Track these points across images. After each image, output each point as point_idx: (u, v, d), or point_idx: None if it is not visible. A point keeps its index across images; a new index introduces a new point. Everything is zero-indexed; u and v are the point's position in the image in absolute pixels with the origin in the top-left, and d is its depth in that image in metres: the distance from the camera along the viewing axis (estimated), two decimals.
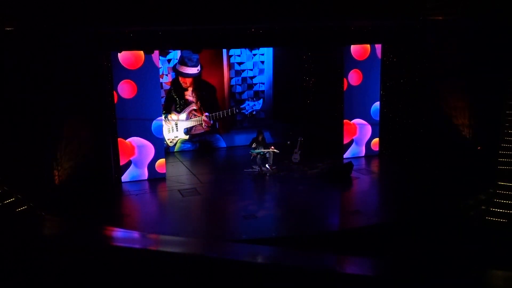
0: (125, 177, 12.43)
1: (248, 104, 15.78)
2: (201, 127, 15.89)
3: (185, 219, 10.28)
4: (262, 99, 16.11)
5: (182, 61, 15.16)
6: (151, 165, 12.65)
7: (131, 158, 12.48)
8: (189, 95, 15.55)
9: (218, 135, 16.21)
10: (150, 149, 12.63)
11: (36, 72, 10.41)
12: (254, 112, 15.93)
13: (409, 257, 8.65)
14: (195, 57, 15.24)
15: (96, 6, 10.09)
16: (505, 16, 11.25)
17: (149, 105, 12.41)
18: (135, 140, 12.49)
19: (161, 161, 12.75)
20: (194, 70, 15.31)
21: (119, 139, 12.26)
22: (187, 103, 15.56)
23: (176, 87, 15.36)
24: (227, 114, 15.75)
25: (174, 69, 15.24)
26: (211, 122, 15.78)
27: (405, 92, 14.04)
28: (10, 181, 9.86)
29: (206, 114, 15.61)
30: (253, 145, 12.90)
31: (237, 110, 15.87)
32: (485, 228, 9.83)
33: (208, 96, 15.74)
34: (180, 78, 15.33)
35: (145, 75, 12.24)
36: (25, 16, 9.81)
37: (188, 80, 15.41)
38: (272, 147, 13.00)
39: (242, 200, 11.14)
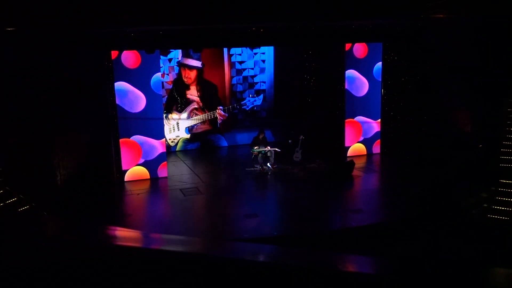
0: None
1: (249, 100, 15.86)
2: (204, 126, 15.94)
3: (187, 218, 10.28)
4: (262, 95, 16.15)
5: (187, 54, 15.25)
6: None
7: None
8: (191, 93, 15.58)
9: (219, 135, 16.22)
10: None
11: (37, 72, 10.42)
12: (255, 108, 16.00)
13: (411, 255, 8.65)
14: (196, 55, 15.37)
15: (96, 6, 10.09)
16: (505, 14, 11.22)
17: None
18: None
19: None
20: (198, 63, 15.39)
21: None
22: (188, 102, 15.58)
23: (178, 86, 15.38)
24: (232, 109, 15.88)
25: (178, 63, 15.29)
26: (227, 115, 15.86)
27: (406, 91, 14.04)
28: (12, 181, 9.88)
29: (221, 107, 15.70)
30: (255, 147, 12.94)
31: (237, 106, 15.93)
32: (487, 226, 9.82)
33: (209, 95, 15.77)
34: (183, 74, 15.37)
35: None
36: (27, 16, 9.81)
37: (192, 75, 15.44)
38: (268, 147, 13.00)
39: (243, 199, 11.15)
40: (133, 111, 12.29)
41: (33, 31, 10.08)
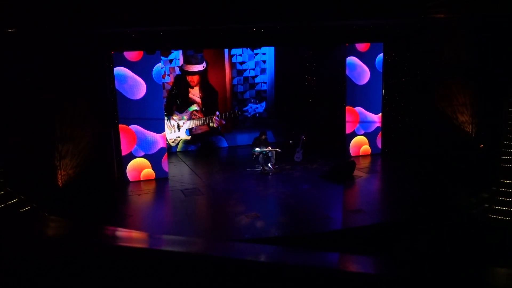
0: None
1: (251, 107, 15.82)
2: (203, 127, 15.93)
3: (187, 218, 10.28)
4: (265, 102, 16.11)
5: (187, 60, 15.25)
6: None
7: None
8: (193, 93, 15.58)
9: (220, 135, 16.22)
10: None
11: (38, 73, 10.43)
12: (256, 115, 15.97)
13: (411, 255, 8.65)
14: (199, 54, 15.34)
15: (96, 6, 10.10)
16: (505, 14, 11.23)
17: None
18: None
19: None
20: (199, 67, 15.41)
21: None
22: (189, 103, 15.58)
23: (180, 87, 15.38)
24: (234, 114, 15.82)
25: (181, 69, 15.31)
26: (224, 121, 15.82)
27: (407, 91, 14.03)
28: (13, 182, 9.88)
29: (217, 113, 15.67)
30: (257, 148, 12.94)
31: (239, 113, 15.90)
32: (487, 226, 9.82)
33: (210, 99, 15.76)
34: (187, 77, 15.40)
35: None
36: (27, 17, 9.83)
37: (195, 79, 15.46)
38: (269, 147, 13.00)
39: (244, 200, 11.14)
40: (133, 98, 12.21)
41: (33, 32, 10.09)
